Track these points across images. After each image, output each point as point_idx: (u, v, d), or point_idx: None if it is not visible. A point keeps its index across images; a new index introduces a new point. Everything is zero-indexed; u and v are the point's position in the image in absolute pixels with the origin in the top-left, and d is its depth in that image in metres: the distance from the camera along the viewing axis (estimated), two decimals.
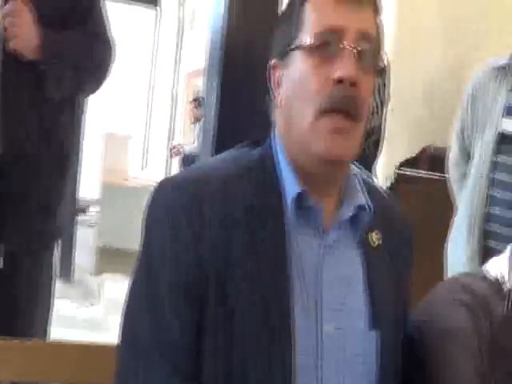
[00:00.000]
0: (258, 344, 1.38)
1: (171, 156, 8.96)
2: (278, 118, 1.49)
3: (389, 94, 2.95)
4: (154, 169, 9.61)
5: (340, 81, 1.38)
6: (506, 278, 1.75)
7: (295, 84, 1.42)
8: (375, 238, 1.49)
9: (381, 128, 3.00)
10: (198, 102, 8.85)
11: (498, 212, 3.26)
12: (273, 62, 1.48)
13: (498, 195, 3.28)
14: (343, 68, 1.37)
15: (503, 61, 3.40)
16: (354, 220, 1.47)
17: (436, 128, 3.96)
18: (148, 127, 11.12)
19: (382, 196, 1.59)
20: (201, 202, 1.38)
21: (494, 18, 3.97)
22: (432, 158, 3.93)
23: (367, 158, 2.92)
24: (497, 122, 3.34)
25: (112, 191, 7.15)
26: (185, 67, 10.53)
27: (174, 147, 8.96)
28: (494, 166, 3.31)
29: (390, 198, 1.64)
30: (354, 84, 1.38)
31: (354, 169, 1.55)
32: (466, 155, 3.49)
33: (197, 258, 1.37)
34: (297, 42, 1.42)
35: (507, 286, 1.73)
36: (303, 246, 1.43)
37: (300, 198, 1.42)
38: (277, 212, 1.41)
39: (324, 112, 1.38)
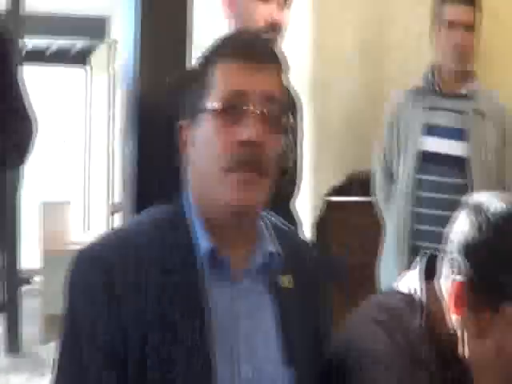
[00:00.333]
0: None
1: (112, 214, 8.92)
2: (188, 176, 1.56)
3: (302, 131, 2.98)
4: (96, 230, 9.55)
5: (245, 143, 1.45)
6: (418, 291, 1.77)
7: (203, 144, 1.50)
8: (287, 281, 1.57)
9: (296, 166, 3.03)
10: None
11: (425, 228, 3.34)
12: (182, 122, 1.55)
13: (423, 212, 3.37)
14: (248, 131, 1.46)
15: (419, 83, 3.50)
16: (265, 266, 1.54)
17: (361, 153, 3.98)
18: (87, 188, 11.06)
19: (292, 238, 1.71)
20: (116, 269, 1.44)
21: (414, 46, 4.03)
22: (362, 183, 3.96)
23: (284, 198, 2.94)
24: (417, 141, 3.43)
25: (54, 259, 7.11)
26: (119, 124, 10.54)
27: (113, 204, 8.94)
28: (419, 183, 3.40)
29: (300, 238, 1.78)
30: (258, 145, 1.46)
31: (266, 216, 1.64)
32: (390, 176, 3.57)
33: (115, 322, 1.41)
34: (204, 105, 1.49)
35: (419, 299, 1.75)
36: (218, 298, 1.50)
37: (211, 254, 1.48)
38: (190, 269, 1.48)
39: (231, 170, 1.46)
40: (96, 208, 10.56)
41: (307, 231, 3.87)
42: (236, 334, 1.50)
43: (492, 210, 1.66)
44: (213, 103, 1.48)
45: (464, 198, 1.75)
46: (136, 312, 1.42)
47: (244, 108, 1.48)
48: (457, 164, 3.41)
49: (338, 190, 4.18)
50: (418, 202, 3.42)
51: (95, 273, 1.44)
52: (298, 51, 4.03)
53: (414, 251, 3.33)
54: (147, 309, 1.43)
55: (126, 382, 1.41)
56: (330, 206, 4.10)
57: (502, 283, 1.62)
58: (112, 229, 1.64)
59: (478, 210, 1.68)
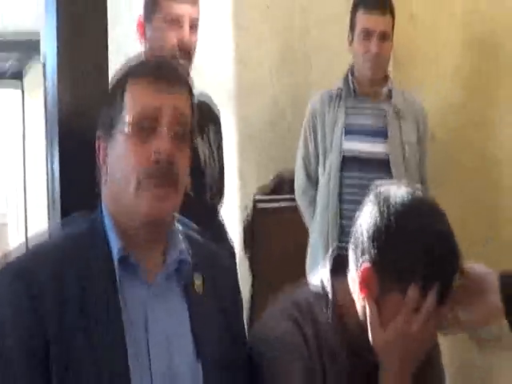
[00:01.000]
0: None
1: None
2: (104, 191, 1.66)
3: (221, 137, 3.10)
4: None
5: (156, 159, 1.56)
6: (328, 288, 1.87)
7: (118, 162, 1.59)
8: (197, 285, 1.69)
9: (223, 173, 3.15)
10: None
11: (349, 223, 3.41)
12: (99, 141, 1.65)
13: (347, 209, 3.47)
14: (159, 149, 1.56)
15: (337, 86, 3.61)
16: (177, 271, 1.65)
17: (285, 155, 4.07)
18: (25, 209, 10.94)
19: (204, 246, 1.81)
20: (39, 279, 1.53)
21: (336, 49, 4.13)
22: (290, 183, 4.04)
23: (214, 206, 3.08)
24: (339, 142, 3.54)
25: None
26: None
27: None
28: (341, 183, 3.50)
29: (213, 246, 1.86)
30: (169, 160, 1.58)
31: (179, 225, 1.76)
32: (312, 181, 3.68)
33: (37, 326, 1.51)
34: (118, 126, 1.59)
35: (328, 295, 1.85)
36: (133, 300, 1.60)
37: (125, 259, 1.59)
38: (107, 274, 1.58)
39: (144, 183, 1.57)
40: (36, 228, 10.43)
41: (235, 232, 3.96)
42: (149, 331, 1.60)
43: (394, 199, 1.76)
44: (124, 121, 1.58)
45: (370, 189, 1.86)
46: (57, 317, 1.52)
47: (155, 128, 1.59)
48: (378, 162, 3.53)
49: (266, 191, 4.24)
50: (342, 200, 3.54)
51: (19, 283, 1.53)
52: (221, 59, 4.11)
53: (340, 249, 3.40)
54: (67, 314, 1.53)
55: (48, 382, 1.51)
56: (257, 206, 4.16)
57: (405, 268, 1.71)
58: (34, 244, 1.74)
59: (381, 199, 1.78)
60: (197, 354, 1.65)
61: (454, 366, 3.53)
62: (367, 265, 1.73)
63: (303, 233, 3.74)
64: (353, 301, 1.81)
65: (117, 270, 1.58)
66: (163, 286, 1.65)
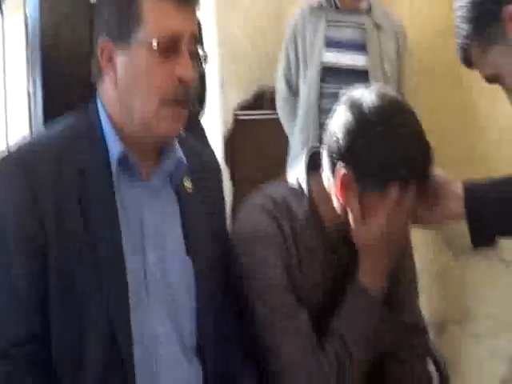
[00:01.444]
0: (96, 279, 1.59)
1: None
2: (108, 92, 1.67)
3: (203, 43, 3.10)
4: None
5: (181, 82, 1.60)
6: (303, 182, 1.91)
7: (138, 76, 1.62)
8: (187, 185, 1.75)
9: (204, 81, 3.17)
10: None
11: None
12: (103, 42, 1.64)
13: (326, 121, 3.48)
14: (184, 70, 1.61)
15: None
16: (172, 172, 1.72)
17: (266, 71, 4.08)
18: (6, 133, 10.88)
19: (193, 147, 1.84)
20: (36, 170, 1.58)
21: None
22: (270, 99, 4.06)
23: (195, 115, 3.09)
24: (320, 54, 3.56)
25: None
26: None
27: None
28: (321, 94, 3.53)
29: (201, 147, 1.91)
30: (190, 84, 1.63)
31: None
32: (293, 91, 3.70)
33: (36, 215, 1.57)
34: (138, 38, 1.60)
35: (305, 190, 1.90)
36: (129, 196, 1.66)
37: (124, 158, 1.64)
38: (104, 171, 1.63)
39: (166, 103, 1.61)
40: None
41: (217, 145, 4.00)
42: (144, 226, 1.67)
43: (365, 101, 1.80)
44: (150, 39, 1.60)
45: (342, 93, 1.90)
46: (54, 208, 1.57)
47: (180, 49, 1.62)
48: (358, 75, 3.53)
49: (246, 106, 4.27)
50: (321, 111, 3.56)
51: (18, 174, 1.58)
52: None
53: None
54: (64, 205, 1.58)
55: (45, 271, 1.57)
56: (238, 121, 4.19)
57: (383, 168, 1.76)
58: (31, 138, 1.79)
59: (353, 102, 1.82)
60: (187, 251, 1.72)
61: (431, 274, 3.61)
62: (344, 170, 1.77)
63: (283, 144, 3.78)
64: (328, 198, 1.86)
65: (114, 169, 1.63)
66: (158, 186, 1.71)
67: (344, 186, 1.78)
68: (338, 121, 1.82)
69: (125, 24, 1.61)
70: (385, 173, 1.76)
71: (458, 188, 1.83)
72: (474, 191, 1.82)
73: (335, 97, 3.35)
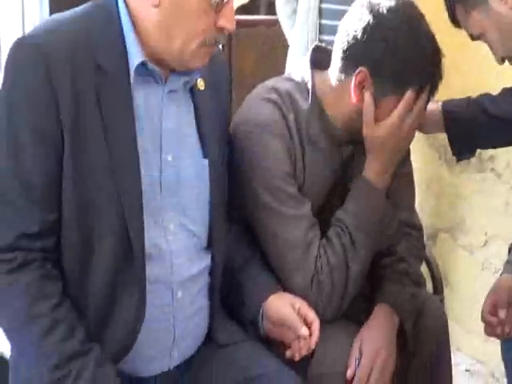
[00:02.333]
0: (110, 173, 1.61)
1: None
2: (141, 3, 1.64)
3: None
4: None
5: (224, 30, 1.67)
6: (307, 78, 1.94)
7: (186, 15, 1.63)
8: (200, 84, 1.77)
9: None
10: None
11: (328, 38, 3.45)
12: None
13: (326, 23, 3.49)
14: (229, 23, 1.66)
15: None
16: (185, 73, 1.77)
17: None
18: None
19: None
20: (55, 60, 1.57)
21: None
22: (267, 3, 4.02)
23: None
24: None
25: None
26: None
27: None
28: (320, 12, 3.49)
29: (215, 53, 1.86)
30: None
31: None
32: None
33: (52, 109, 1.57)
34: None
35: (308, 85, 1.92)
36: (147, 98, 1.68)
37: (143, 64, 1.65)
38: (123, 71, 1.64)
39: (205, 45, 1.66)
40: None
41: None
42: (162, 127, 1.70)
43: (382, 5, 1.82)
44: None
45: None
46: (71, 103, 1.58)
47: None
48: None
49: (244, 9, 4.24)
50: (322, 14, 3.52)
51: (36, 62, 1.56)
52: None
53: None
54: (81, 100, 1.59)
55: (59, 166, 1.58)
56: (237, 23, 4.14)
57: (403, 73, 1.81)
58: (49, 19, 1.76)
59: (370, 6, 1.83)
60: (203, 152, 1.76)
61: (424, 183, 3.63)
62: (364, 70, 1.81)
63: (281, 46, 3.76)
64: (333, 94, 1.90)
65: (133, 72, 1.65)
66: (174, 89, 1.73)
67: (360, 84, 1.83)
68: (356, 22, 1.83)
69: None
70: (403, 77, 1.81)
71: (437, 106, 2.00)
72: (452, 110, 2.00)
73: (334, 14, 3.42)
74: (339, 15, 3.35)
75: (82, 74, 1.59)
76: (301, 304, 1.83)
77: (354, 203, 1.89)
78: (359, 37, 1.81)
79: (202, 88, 1.78)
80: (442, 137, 3.48)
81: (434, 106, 1.99)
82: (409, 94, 1.81)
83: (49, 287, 1.59)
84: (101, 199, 1.60)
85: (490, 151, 3.41)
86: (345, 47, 1.85)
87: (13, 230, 1.58)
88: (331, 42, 3.30)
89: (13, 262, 1.57)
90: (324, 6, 3.52)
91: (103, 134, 1.60)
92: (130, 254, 1.62)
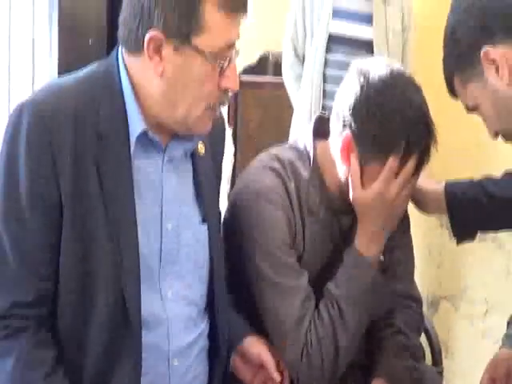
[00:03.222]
0: (109, 242, 1.60)
1: None
2: (145, 74, 1.63)
3: None
4: None
5: (229, 91, 1.65)
6: (309, 147, 1.95)
7: (190, 81, 1.61)
8: (200, 148, 1.76)
9: None
10: None
11: (331, 103, 3.49)
12: (155, 33, 1.57)
13: (329, 89, 3.54)
14: (233, 83, 1.64)
15: None
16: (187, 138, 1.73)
17: (271, 34, 4.07)
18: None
19: None
20: (56, 126, 1.57)
21: None
22: (274, 64, 4.06)
23: None
24: (327, 23, 3.58)
25: None
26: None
27: None
28: (326, 63, 3.54)
29: None
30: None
31: None
32: (300, 57, 3.75)
33: (52, 174, 1.56)
34: (197, 43, 1.58)
35: (310, 154, 1.93)
36: (146, 167, 1.67)
37: (144, 133, 1.64)
38: (123, 140, 1.63)
39: (210, 107, 1.64)
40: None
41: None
42: (163, 196, 1.69)
43: (373, 73, 1.83)
44: (209, 48, 1.58)
45: (352, 63, 1.92)
46: (71, 169, 1.57)
47: (231, 57, 1.62)
48: (363, 46, 3.59)
49: (251, 70, 4.28)
50: (326, 79, 3.61)
51: (38, 127, 1.56)
52: None
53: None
54: (81, 168, 1.58)
55: (58, 230, 1.58)
56: (242, 83, 4.18)
57: (385, 141, 1.80)
58: (51, 83, 1.77)
59: (361, 73, 1.85)
60: (202, 218, 1.76)
61: (425, 251, 3.62)
62: (348, 134, 1.82)
63: (285, 109, 3.80)
64: (332, 162, 1.89)
65: (133, 140, 1.64)
66: (174, 156, 1.72)
67: (346, 147, 1.82)
68: (346, 91, 1.85)
69: (186, 24, 1.58)
70: (386, 146, 1.81)
71: (440, 187, 1.97)
72: (454, 191, 1.96)
73: (339, 65, 3.51)
74: (342, 80, 3.52)
75: (82, 142, 1.58)
76: (275, 350, 1.84)
77: (343, 274, 1.88)
78: (348, 101, 1.83)
79: (203, 153, 1.77)
80: None
81: (438, 185, 1.97)
82: (390, 162, 1.80)
83: (42, 354, 1.57)
84: (98, 267, 1.59)
85: None
86: (336, 113, 1.87)
87: (8, 298, 1.57)
88: None
89: (7, 329, 1.56)
90: (328, 71, 3.60)
91: (103, 203, 1.59)
92: (127, 323, 1.60)
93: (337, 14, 3.61)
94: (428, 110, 1.84)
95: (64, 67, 2.75)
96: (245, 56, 4.10)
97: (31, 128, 1.56)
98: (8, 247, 1.57)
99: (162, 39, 1.58)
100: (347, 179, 1.86)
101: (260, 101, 4.16)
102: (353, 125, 1.81)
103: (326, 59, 3.60)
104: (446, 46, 1.79)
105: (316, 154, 1.93)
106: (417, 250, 2.15)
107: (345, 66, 3.46)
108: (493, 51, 1.68)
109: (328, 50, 3.60)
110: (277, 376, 1.80)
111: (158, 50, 1.59)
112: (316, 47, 3.62)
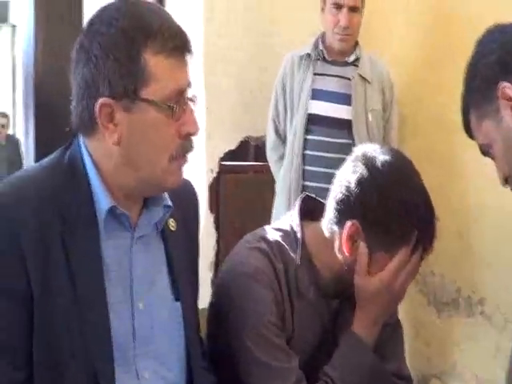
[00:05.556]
0: (80, 327, 1.57)
1: None
2: (103, 148, 1.62)
3: None
4: None
5: (190, 136, 1.62)
6: (296, 227, 1.93)
7: (146, 135, 1.58)
8: (171, 224, 1.74)
9: None
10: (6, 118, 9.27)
11: (312, 185, 3.55)
12: (104, 100, 1.56)
13: (311, 170, 3.58)
14: (192, 126, 1.60)
15: (307, 49, 3.67)
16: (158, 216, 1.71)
17: (251, 119, 4.12)
18: None
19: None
20: (21, 220, 1.55)
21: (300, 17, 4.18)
22: (255, 148, 4.11)
23: None
24: (305, 104, 3.62)
25: None
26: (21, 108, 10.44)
27: None
28: (306, 143, 3.59)
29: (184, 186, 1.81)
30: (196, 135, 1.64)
31: None
32: (282, 138, 3.78)
33: (21, 267, 1.54)
34: (145, 96, 1.56)
35: (298, 235, 1.91)
36: (116, 246, 1.65)
37: (112, 210, 1.62)
38: (91, 223, 1.61)
39: (175, 158, 1.61)
40: None
41: (202, 193, 4.01)
42: (131, 273, 1.66)
43: (380, 159, 1.82)
44: (158, 97, 1.56)
45: (354, 150, 1.90)
46: (39, 262, 1.55)
47: (184, 102, 1.60)
48: (342, 126, 3.64)
49: (231, 155, 4.32)
50: (306, 160, 3.65)
51: (2, 224, 1.54)
52: (190, 24, 4.13)
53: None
54: (49, 259, 1.56)
55: (30, 324, 1.55)
56: (223, 169, 4.23)
57: (397, 234, 1.79)
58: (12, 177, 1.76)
59: (366, 159, 1.82)
60: (176, 295, 1.73)
61: (413, 329, 3.61)
62: (356, 223, 1.80)
63: (267, 192, 3.84)
64: (323, 245, 1.88)
65: (101, 220, 1.62)
66: (145, 233, 1.69)
67: (351, 237, 1.81)
68: (351, 174, 1.82)
69: (131, 81, 1.55)
70: (397, 240, 1.80)
71: None
72: None
73: (319, 146, 3.53)
74: (322, 161, 3.57)
75: (48, 230, 1.56)
76: None
77: (341, 358, 1.85)
78: (352, 189, 1.80)
79: (174, 229, 1.74)
80: (431, 281, 3.58)
81: None
82: (403, 253, 1.80)
83: None
84: (70, 353, 1.56)
85: (479, 294, 3.42)
86: (338, 199, 1.84)
87: None
88: (314, 188, 3.55)
89: None
90: (307, 152, 3.65)
91: (72, 288, 1.57)
92: None
93: (315, 94, 3.66)
94: (429, 197, 1.84)
95: (41, 154, 2.77)
96: (225, 141, 4.22)
97: None
98: None
99: (111, 104, 1.56)
100: (345, 266, 1.84)
101: (242, 185, 4.20)
102: (361, 213, 1.80)
103: (305, 140, 3.64)
104: (465, 79, 1.76)
105: (304, 235, 1.91)
106: (405, 329, 2.13)
107: (324, 147, 3.59)
108: (510, 88, 1.65)
109: (307, 130, 3.64)
110: None
111: (110, 117, 1.57)
112: (295, 128, 3.67)
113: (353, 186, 1.80)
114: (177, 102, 1.58)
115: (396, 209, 1.78)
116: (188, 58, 1.61)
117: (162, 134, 1.59)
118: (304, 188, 3.59)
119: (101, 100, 1.56)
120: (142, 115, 1.57)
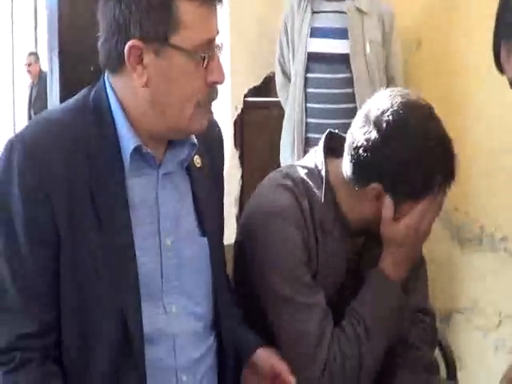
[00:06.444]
0: (107, 264, 1.60)
1: None
2: (130, 88, 1.63)
3: None
4: None
5: (216, 85, 1.64)
6: (320, 165, 1.94)
7: (175, 81, 1.60)
8: (197, 161, 1.75)
9: None
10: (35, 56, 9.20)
11: (312, 120, 3.58)
12: (133, 42, 1.57)
13: (313, 107, 3.62)
14: (219, 76, 1.62)
15: None
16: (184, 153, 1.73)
17: (274, 55, 4.11)
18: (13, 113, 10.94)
19: None
20: (47, 161, 1.57)
21: None
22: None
23: None
24: (304, 43, 3.63)
25: None
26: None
27: None
28: (306, 82, 3.66)
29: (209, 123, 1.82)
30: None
31: None
32: (288, 78, 3.84)
33: (47, 209, 1.57)
34: (176, 42, 1.57)
35: (322, 172, 1.92)
36: (142, 184, 1.67)
37: (137, 149, 1.63)
38: (116, 159, 1.63)
39: (200, 105, 1.63)
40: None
41: (227, 130, 4.03)
42: (158, 210, 1.68)
43: (388, 119, 1.81)
44: (189, 45, 1.58)
45: (362, 107, 1.89)
46: (66, 201, 1.57)
47: (213, 51, 1.61)
48: (341, 61, 3.65)
49: (256, 92, 4.34)
50: (308, 98, 3.68)
51: (29, 166, 1.56)
52: None
53: (305, 142, 3.65)
54: (75, 197, 1.58)
55: (57, 263, 1.58)
56: (247, 105, 4.24)
57: (421, 188, 1.82)
58: (39, 118, 1.76)
59: (374, 120, 1.82)
60: (202, 231, 1.75)
61: (437, 264, 3.63)
62: (376, 185, 1.82)
63: None
64: (345, 189, 1.90)
65: (127, 159, 1.63)
66: (170, 170, 1.71)
67: (375, 198, 1.84)
68: (361, 135, 1.83)
69: (162, 26, 1.57)
70: (421, 191, 1.82)
71: None
72: None
73: (319, 83, 3.55)
74: (323, 97, 3.60)
75: (74, 171, 1.59)
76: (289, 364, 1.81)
77: (370, 294, 1.88)
78: (367, 154, 1.81)
79: (199, 165, 1.76)
80: (455, 217, 3.59)
81: None
82: (427, 202, 1.83)
83: None
84: (98, 289, 1.59)
85: (502, 232, 3.43)
86: (353, 157, 1.84)
87: (11, 331, 1.57)
88: (317, 124, 3.59)
89: (13, 362, 1.56)
90: (309, 90, 3.69)
91: (98, 227, 1.59)
92: (129, 340, 1.60)
93: (314, 32, 3.68)
94: (448, 136, 1.84)
95: (66, 94, 2.77)
96: (249, 77, 4.21)
97: (23, 167, 1.57)
98: (8, 281, 1.58)
99: (141, 47, 1.57)
100: (371, 216, 1.88)
101: (266, 121, 4.22)
102: (380, 178, 1.82)
103: (306, 78, 3.67)
104: (498, 13, 1.72)
105: (328, 172, 1.92)
106: (428, 263, 2.13)
107: (325, 84, 3.61)
108: None
109: (307, 68, 3.67)
110: (294, 381, 1.75)
111: (139, 59, 1.58)
112: (297, 67, 3.70)
113: (367, 149, 1.81)
114: (206, 51, 1.59)
115: (413, 161, 1.79)
116: (218, 7, 1.63)
117: (189, 81, 1.60)
118: (307, 125, 3.65)
119: (131, 41, 1.57)
120: (172, 62, 1.59)
